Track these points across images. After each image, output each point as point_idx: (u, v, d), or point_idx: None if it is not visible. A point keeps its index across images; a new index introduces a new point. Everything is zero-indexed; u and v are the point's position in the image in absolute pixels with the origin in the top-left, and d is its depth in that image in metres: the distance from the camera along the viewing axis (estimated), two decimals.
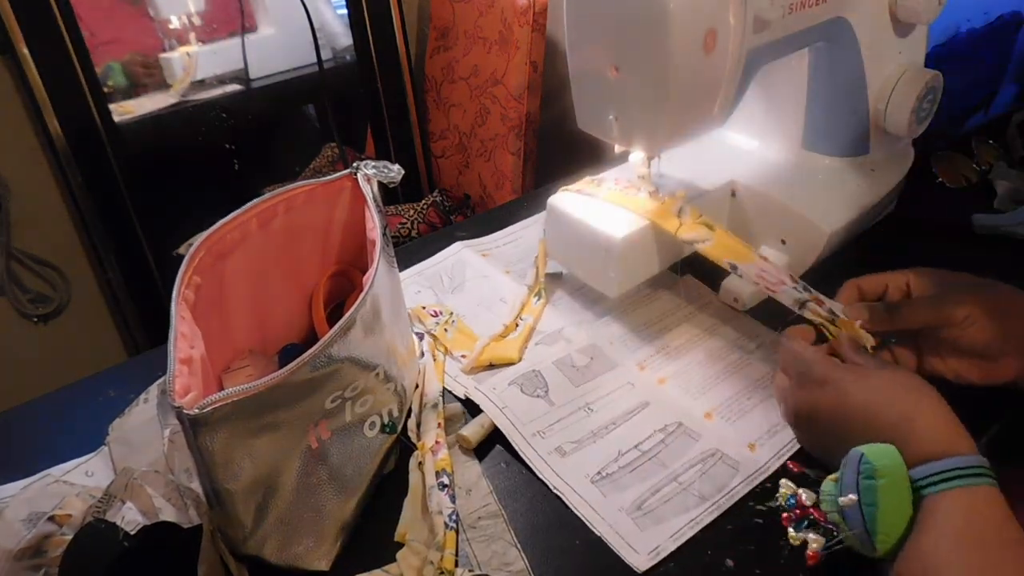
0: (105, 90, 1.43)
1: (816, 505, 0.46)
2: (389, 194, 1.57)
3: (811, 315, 0.56)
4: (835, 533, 0.45)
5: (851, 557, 0.45)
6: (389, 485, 0.55)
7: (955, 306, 0.53)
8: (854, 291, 0.58)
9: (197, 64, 1.54)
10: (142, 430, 0.55)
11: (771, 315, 0.67)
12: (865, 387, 0.48)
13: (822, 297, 0.57)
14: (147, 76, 1.52)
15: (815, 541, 0.45)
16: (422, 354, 0.66)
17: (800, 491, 0.47)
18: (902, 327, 0.55)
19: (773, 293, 0.58)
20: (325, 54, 1.62)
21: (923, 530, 0.41)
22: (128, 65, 1.50)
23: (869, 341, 0.54)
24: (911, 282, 0.57)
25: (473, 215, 1.51)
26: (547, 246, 0.74)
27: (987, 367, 0.53)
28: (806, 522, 0.46)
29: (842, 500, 0.44)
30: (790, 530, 0.46)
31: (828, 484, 0.46)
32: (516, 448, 0.56)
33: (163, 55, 1.52)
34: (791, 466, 0.51)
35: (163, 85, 1.54)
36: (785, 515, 0.47)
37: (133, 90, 1.51)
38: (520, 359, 0.65)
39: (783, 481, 0.48)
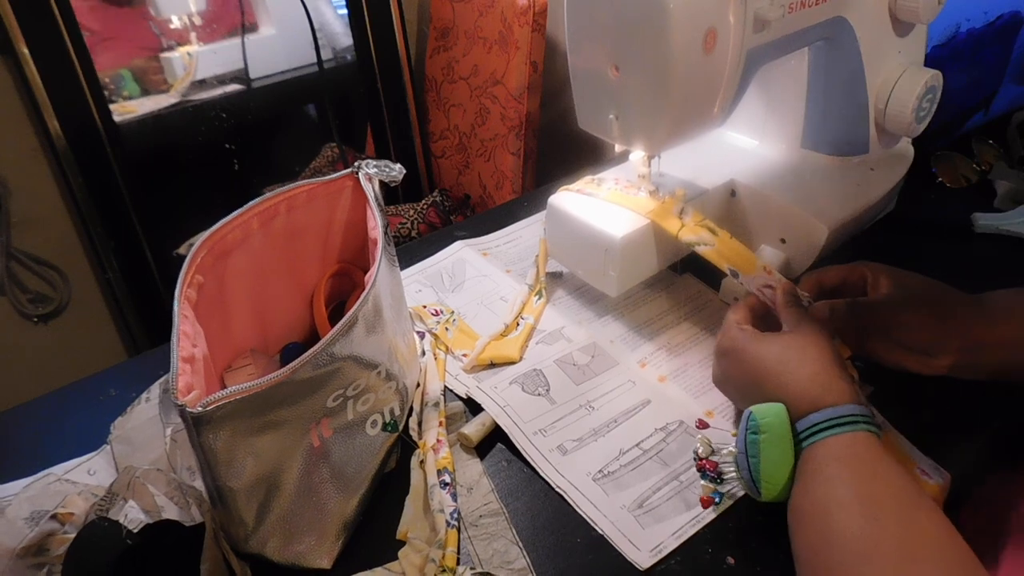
0: (124, 97, 1.45)
1: (707, 457, 0.54)
2: (389, 194, 1.58)
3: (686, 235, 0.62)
4: (724, 479, 0.53)
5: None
6: (391, 483, 0.55)
7: (912, 311, 0.56)
8: (815, 284, 0.61)
9: (197, 64, 1.54)
10: (144, 429, 0.55)
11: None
12: (759, 351, 0.53)
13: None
14: (152, 77, 1.52)
15: (704, 488, 0.53)
16: (423, 353, 0.66)
17: (698, 446, 0.55)
18: (858, 324, 0.58)
19: (772, 306, 0.58)
20: (325, 54, 1.62)
21: (804, 474, 0.46)
22: (137, 72, 1.50)
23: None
24: (868, 277, 0.60)
25: (473, 215, 1.51)
26: (547, 245, 0.74)
27: (925, 361, 0.56)
28: (706, 473, 0.54)
29: (726, 452, 0.53)
30: (701, 481, 0.54)
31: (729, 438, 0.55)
32: (517, 446, 0.56)
33: (163, 55, 1.52)
34: (699, 424, 0.58)
35: (163, 85, 1.54)
36: (696, 467, 0.55)
37: (145, 94, 1.51)
38: (521, 358, 0.65)
39: (699, 438, 0.56)
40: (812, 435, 0.46)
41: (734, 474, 0.51)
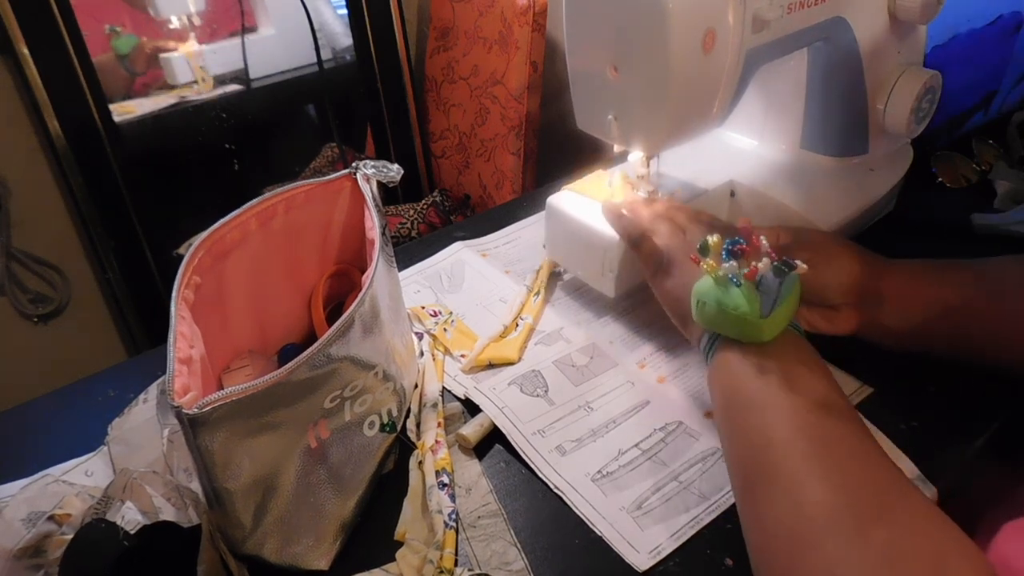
0: (112, 47, 1.40)
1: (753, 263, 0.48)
2: (389, 194, 1.58)
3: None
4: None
5: None
6: (389, 484, 0.55)
7: (798, 251, 0.58)
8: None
9: (207, 65, 1.54)
10: (142, 430, 0.55)
11: None
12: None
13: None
14: (146, 69, 1.51)
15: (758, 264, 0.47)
16: (421, 354, 0.66)
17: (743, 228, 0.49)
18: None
19: None
20: (325, 54, 1.62)
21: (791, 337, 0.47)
22: (140, 43, 1.48)
23: None
24: (780, 235, 0.61)
25: (473, 215, 1.51)
26: (547, 245, 0.74)
27: (831, 316, 0.58)
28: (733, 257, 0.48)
29: (787, 261, 0.46)
30: (707, 262, 0.48)
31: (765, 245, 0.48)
32: (516, 447, 0.56)
33: (163, 55, 1.52)
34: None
35: (163, 85, 1.54)
36: (727, 251, 0.48)
37: (128, 78, 1.49)
38: (520, 359, 0.65)
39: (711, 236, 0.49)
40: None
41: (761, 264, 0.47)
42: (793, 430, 0.42)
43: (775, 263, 0.46)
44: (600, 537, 0.50)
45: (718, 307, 0.47)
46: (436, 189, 1.57)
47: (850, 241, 0.60)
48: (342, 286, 0.66)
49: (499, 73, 1.37)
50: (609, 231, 0.63)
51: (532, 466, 0.55)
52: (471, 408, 0.61)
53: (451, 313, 0.71)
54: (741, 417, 0.46)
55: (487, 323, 0.69)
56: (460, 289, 0.75)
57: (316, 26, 1.45)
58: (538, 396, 0.61)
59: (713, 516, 0.51)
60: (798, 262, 0.46)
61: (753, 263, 0.47)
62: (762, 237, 0.48)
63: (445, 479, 0.53)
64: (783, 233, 0.61)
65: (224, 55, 1.58)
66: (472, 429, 0.57)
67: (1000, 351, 0.56)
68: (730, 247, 0.48)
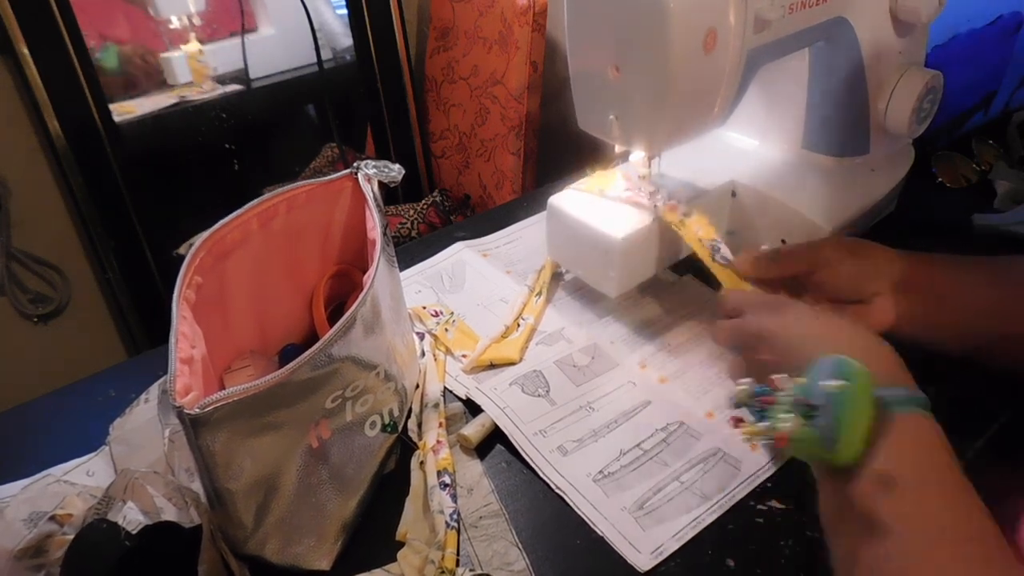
0: (95, 61, 1.40)
1: (763, 394, 0.44)
2: (389, 194, 1.58)
3: (667, 217, 0.63)
4: (776, 419, 0.43)
5: None
6: (390, 484, 0.55)
7: (824, 247, 0.59)
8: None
9: (208, 63, 1.54)
10: (143, 430, 0.55)
11: None
12: (826, 315, 0.50)
13: (675, 204, 0.63)
14: (144, 70, 1.51)
15: (785, 420, 0.42)
16: (423, 354, 0.66)
17: (742, 385, 0.45)
18: (786, 271, 0.59)
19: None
20: (325, 54, 1.62)
21: (884, 446, 0.42)
22: (124, 52, 1.49)
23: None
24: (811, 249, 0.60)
25: (473, 215, 1.51)
26: (548, 246, 0.74)
27: (863, 312, 0.57)
28: (768, 413, 0.44)
29: (824, 384, 0.42)
30: (744, 424, 0.44)
31: (790, 383, 0.44)
32: (517, 447, 0.56)
33: (163, 55, 1.52)
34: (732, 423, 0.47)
35: (163, 85, 1.54)
36: (741, 410, 0.45)
37: (126, 79, 1.49)
38: (521, 359, 0.65)
39: (739, 381, 0.46)
40: (899, 404, 0.43)
41: (788, 422, 0.42)
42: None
43: (800, 408, 0.42)
44: (602, 537, 0.50)
45: (794, 450, 0.44)
46: (436, 189, 1.57)
47: (876, 244, 0.60)
48: (343, 286, 0.66)
49: (499, 73, 1.37)
50: (610, 231, 0.63)
51: (533, 466, 0.55)
52: (472, 408, 0.61)
53: (452, 313, 0.71)
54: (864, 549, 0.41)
55: (488, 323, 0.69)
56: (461, 289, 0.75)
57: (316, 26, 1.45)
58: (539, 396, 0.61)
59: (715, 516, 0.51)
60: (830, 384, 0.42)
61: (780, 424, 0.43)
62: (785, 382, 0.44)
63: (446, 479, 0.53)
64: (811, 247, 0.60)
65: (224, 55, 1.58)
66: (473, 429, 0.57)
67: None
68: (755, 406, 0.45)
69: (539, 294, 0.72)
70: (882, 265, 0.58)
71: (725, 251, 0.60)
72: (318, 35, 1.47)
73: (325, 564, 0.49)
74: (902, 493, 0.40)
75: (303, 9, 1.40)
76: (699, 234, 0.61)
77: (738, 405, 0.46)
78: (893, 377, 0.45)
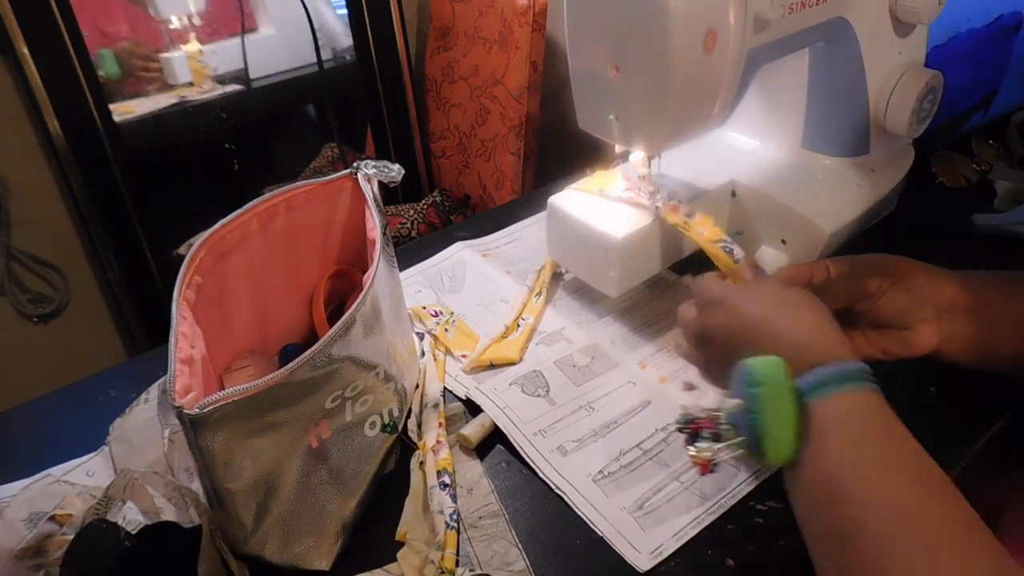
0: (99, 77, 1.41)
1: (702, 417, 0.49)
2: (389, 194, 1.57)
3: (671, 219, 0.62)
4: (722, 438, 0.48)
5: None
6: (390, 484, 0.55)
7: (867, 279, 0.56)
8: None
9: (208, 63, 1.54)
10: (143, 430, 0.55)
11: None
12: (752, 302, 0.50)
13: (677, 204, 0.63)
14: (145, 71, 1.51)
15: (705, 450, 0.48)
16: (423, 354, 0.66)
17: (687, 411, 0.50)
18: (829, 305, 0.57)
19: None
20: (325, 54, 1.62)
21: (818, 435, 0.42)
22: (122, 55, 1.48)
23: None
24: (830, 267, 0.58)
25: (473, 215, 1.51)
26: (548, 246, 0.74)
27: (906, 337, 0.56)
28: (701, 436, 0.49)
29: (728, 403, 0.46)
30: (690, 448, 0.49)
31: (721, 400, 0.48)
32: (517, 447, 0.56)
33: (163, 55, 1.52)
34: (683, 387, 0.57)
35: (163, 85, 1.54)
36: (684, 435, 0.50)
37: (128, 82, 1.50)
38: (521, 359, 0.65)
39: (682, 404, 0.51)
40: (819, 389, 0.43)
41: (731, 437, 0.47)
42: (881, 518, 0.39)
43: (715, 432, 0.48)
44: (601, 537, 0.50)
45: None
46: (436, 189, 1.57)
47: (917, 261, 0.58)
48: (343, 286, 0.66)
49: (499, 73, 1.37)
50: (610, 231, 0.63)
51: (533, 466, 0.55)
52: (472, 408, 0.61)
53: (452, 313, 0.71)
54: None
55: (488, 323, 0.69)
56: (461, 289, 0.75)
57: (316, 26, 1.45)
58: (539, 396, 0.61)
59: (715, 516, 0.51)
60: (731, 403, 0.46)
61: (704, 453, 0.49)
62: (708, 416, 0.49)
63: (446, 479, 0.53)
64: (833, 265, 0.57)
65: (224, 55, 1.58)
66: (473, 429, 0.57)
67: None
68: (687, 432, 0.50)
69: (539, 294, 0.72)
70: (927, 292, 0.56)
71: (738, 251, 0.58)
72: (318, 35, 1.47)
73: (325, 564, 0.49)
74: (839, 488, 0.40)
75: (303, 9, 1.40)
76: (705, 235, 0.60)
77: (679, 430, 0.51)
78: (820, 351, 0.45)
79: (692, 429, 0.49)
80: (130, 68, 1.49)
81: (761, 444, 0.43)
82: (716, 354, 0.52)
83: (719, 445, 0.48)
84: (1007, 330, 0.54)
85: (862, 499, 0.39)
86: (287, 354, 0.62)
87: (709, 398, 0.59)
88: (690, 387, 0.58)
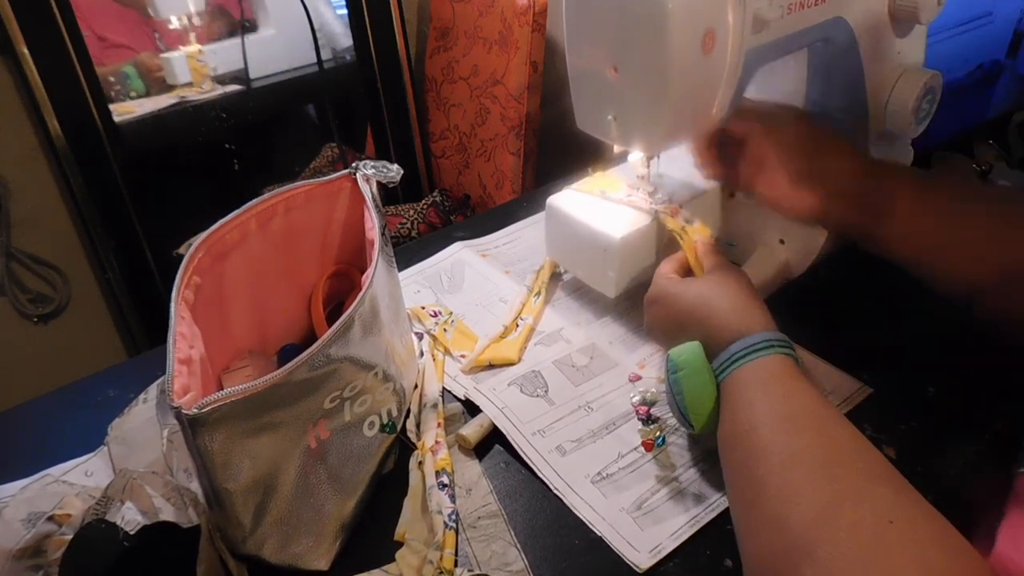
0: (131, 96, 1.46)
1: (644, 403, 0.58)
2: (389, 194, 1.58)
3: (669, 224, 0.63)
4: (657, 421, 0.57)
5: None
6: (388, 485, 0.55)
7: (784, 124, 0.60)
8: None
9: (208, 63, 1.54)
10: (141, 430, 0.55)
11: (773, 314, 0.66)
12: (680, 294, 0.56)
13: (677, 208, 0.65)
14: (156, 75, 1.52)
15: (643, 432, 0.57)
16: (421, 354, 0.66)
17: (634, 396, 0.59)
18: (741, 122, 0.61)
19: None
20: (325, 54, 1.62)
21: (727, 402, 0.48)
22: (140, 66, 1.50)
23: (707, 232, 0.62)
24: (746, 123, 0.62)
25: (473, 215, 1.51)
26: (546, 246, 0.74)
27: (792, 197, 0.59)
28: (645, 420, 0.58)
29: (653, 391, 0.58)
30: (640, 428, 0.57)
31: (657, 386, 0.59)
32: (516, 447, 0.56)
33: (163, 55, 1.52)
34: (632, 377, 0.63)
35: (163, 85, 1.54)
36: (636, 416, 0.58)
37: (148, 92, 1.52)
38: (519, 359, 0.65)
39: (635, 392, 0.60)
40: (730, 365, 0.49)
41: (668, 416, 0.56)
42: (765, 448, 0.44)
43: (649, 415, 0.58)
44: (600, 538, 0.50)
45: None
46: (436, 189, 1.57)
47: (846, 142, 0.60)
48: (342, 286, 0.66)
49: (499, 73, 1.37)
50: (609, 231, 0.63)
51: (532, 466, 0.55)
52: (471, 408, 0.61)
53: (451, 313, 0.71)
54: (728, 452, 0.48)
55: (487, 323, 0.69)
56: (460, 289, 0.75)
57: (316, 26, 1.45)
58: (538, 396, 0.61)
59: (712, 516, 0.51)
60: (656, 389, 0.58)
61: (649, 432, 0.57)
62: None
63: (445, 479, 0.53)
64: (773, 116, 0.62)
65: (224, 55, 1.58)
66: (472, 429, 0.57)
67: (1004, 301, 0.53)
68: (640, 416, 0.58)
69: (538, 294, 0.72)
70: (833, 169, 0.58)
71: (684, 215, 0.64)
72: (318, 35, 1.47)
73: (323, 564, 0.49)
74: (739, 440, 0.46)
75: (303, 9, 1.40)
76: (696, 240, 0.61)
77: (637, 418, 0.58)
78: (733, 329, 0.50)
79: (637, 415, 0.58)
80: (149, 81, 1.51)
81: (688, 417, 0.50)
82: (666, 344, 0.57)
83: (657, 426, 0.57)
84: (944, 240, 0.55)
85: (760, 452, 0.43)
86: (286, 354, 0.62)
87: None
88: (636, 377, 0.63)
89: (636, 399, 0.59)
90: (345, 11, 1.50)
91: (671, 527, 0.50)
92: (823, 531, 0.37)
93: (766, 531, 0.40)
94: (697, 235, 0.62)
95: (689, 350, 0.51)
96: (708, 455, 0.55)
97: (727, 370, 0.49)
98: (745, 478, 0.44)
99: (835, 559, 0.36)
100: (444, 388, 0.63)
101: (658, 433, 0.56)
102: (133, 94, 1.49)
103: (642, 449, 0.56)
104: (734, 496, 0.45)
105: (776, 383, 0.47)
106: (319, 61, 1.50)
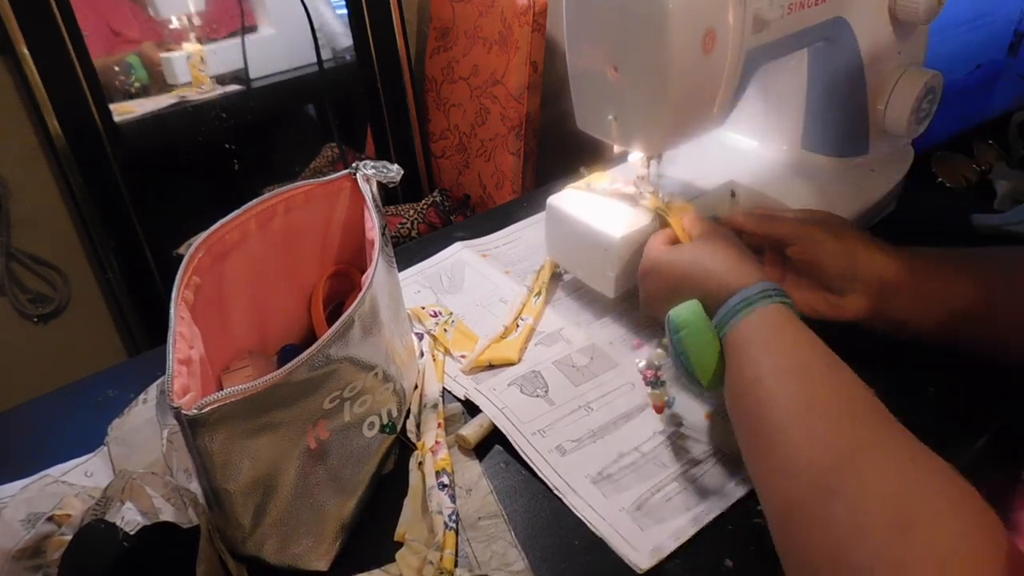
0: (135, 87, 1.45)
1: (650, 366, 0.57)
2: (389, 194, 1.58)
3: (652, 203, 0.64)
4: (664, 383, 0.57)
5: None
6: (388, 485, 0.55)
7: (811, 225, 0.59)
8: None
9: (208, 63, 1.54)
10: (141, 430, 0.55)
11: None
12: (674, 260, 0.56)
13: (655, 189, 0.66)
14: (157, 69, 1.52)
15: (652, 395, 0.57)
16: (421, 354, 0.66)
17: (640, 362, 0.57)
18: (772, 231, 0.61)
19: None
20: (325, 54, 1.62)
21: (731, 356, 0.49)
22: (143, 56, 1.50)
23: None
24: (749, 220, 0.62)
25: (473, 215, 1.51)
26: (547, 246, 0.74)
27: (835, 301, 0.58)
28: (658, 381, 0.57)
29: (658, 351, 0.55)
30: (649, 391, 0.57)
31: (661, 348, 0.56)
32: (516, 447, 0.56)
33: (164, 55, 1.52)
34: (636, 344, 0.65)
35: (163, 85, 1.54)
36: (643, 382, 0.57)
37: (153, 86, 1.52)
38: (520, 360, 0.65)
39: (640, 358, 0.59)
40: (731, 318, 0.49)
41: (673, 376, 0.56)
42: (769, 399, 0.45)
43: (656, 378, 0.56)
44: (600, 538, 0.50)
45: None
46: (436, 189, 1.57)
47: (861, 230, 0.60)
48: (342, 286, 0.66)
49: (499, 73, 1.37)
50: (609, 231, 0.63)
51: (532, 467, 0.55)
52: (471, 409, 0.61)
53: (451, 314, 0.71)
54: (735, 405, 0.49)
55: (487, 324, 0.69)
56: (460, 289, 0.75)
57: (316, 26, 1.45)
58: (538, 397, 0.61)
59: (713, 516, 0.51)
60: (659, 351, 0.55)
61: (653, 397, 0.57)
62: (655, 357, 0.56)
63: (445, 480, 0.53)
64: (799, 220, 0.60)
65: (224, 55, 1.58)
66: (472, 430, 0.57)
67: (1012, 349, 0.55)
68: (646, 379, 0.57)
69: (538, 294, 0.72)
70: (862, 265, 0.57)
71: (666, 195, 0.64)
72: (318, 35, 1.47)
73: (323, 565, 0.49)
74: (746, 393, 0.46)
75: (303, 9, 1.40)
76: (683, 219, 0.62)
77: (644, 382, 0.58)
78: (729, 284, 0.51)
79: (644, 379, 0.57)
80: (153, 73, 1.51)
81: (695, 375, 0.51)
82: (662, 313, 0.56)
83: (664, 388, 0.57)
84: (957, 311, 0.55)
85: (772, 400, 0.44)
86: (285, 354, 0.62)
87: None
88: (640, 344, 0.65)
89: (642, 364, 0.58)
90: (345, 11, 1.50)
91: (671, 527, 0.50)
92: (848, 471, 0.39)
93: (788, 474, 0.41)
94: (680, 211, 0.63)
95: (688, 309, 0.52)
96: (708, 455, 0.55)
97: (729, 323, 0.49)
98: (755, 425, 0.45)
99: (866, 494, 0.37)
100: (444, 388, 0.63)
101: (667, 396, 0.56)
102: (138, 84, 1.48)
103: (641, 451, 0.56)
104: (748, 444, 0.46)
105: (779, 333, 0.47)
106: (319, 61, 1.50)
